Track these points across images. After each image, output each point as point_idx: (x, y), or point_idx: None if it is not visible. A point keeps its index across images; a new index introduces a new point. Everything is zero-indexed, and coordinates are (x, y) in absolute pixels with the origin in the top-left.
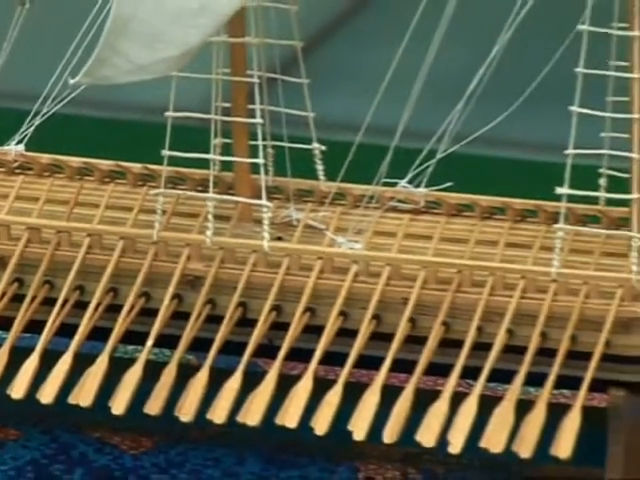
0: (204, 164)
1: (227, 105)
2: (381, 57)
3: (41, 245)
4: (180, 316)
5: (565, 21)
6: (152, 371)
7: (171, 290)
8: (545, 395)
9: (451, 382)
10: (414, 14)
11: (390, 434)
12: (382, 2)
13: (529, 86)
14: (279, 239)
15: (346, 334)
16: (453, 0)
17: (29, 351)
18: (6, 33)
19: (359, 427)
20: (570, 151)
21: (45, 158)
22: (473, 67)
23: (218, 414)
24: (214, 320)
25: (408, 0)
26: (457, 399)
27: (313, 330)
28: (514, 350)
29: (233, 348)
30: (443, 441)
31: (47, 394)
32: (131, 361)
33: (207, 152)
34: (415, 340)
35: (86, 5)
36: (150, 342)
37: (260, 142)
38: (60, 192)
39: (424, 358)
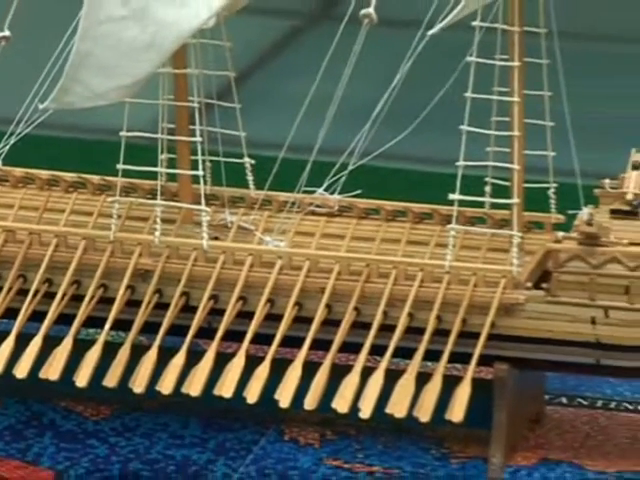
0: (153, 176)
1: (172, 126)
2: (302, 86)
3: (16, 244)
4: (133, 304)
5: (455, 54)
6: (110, 350)
7: (125, 282)
8: (440, 368)
9: (361, 358)
10: (328, 51)
11: (310, 402)
12: (303, 41)
13: (438, 101)
14: (216, 238)
15: (273, 318)
16: (361, 38)
17: (6, 334)
18: None
19: (284, 396)
20: (460, 163)
21: (18, 172)
22: (378, 94)
23: (165, 386)
24: (161, 307)
25: (324, 40)
26: (367, 372)
27: (245, 315)
28: (414, 331)
29: (178, 330)
30: (355, 408)
31: (21, 370)
32: (92, 342)
33: (155, 166)
34: (331, 323)
35: (52, 41)
36: (108, 326)
37: (200, 157)
38: (31, 200)
39: (338, 338)
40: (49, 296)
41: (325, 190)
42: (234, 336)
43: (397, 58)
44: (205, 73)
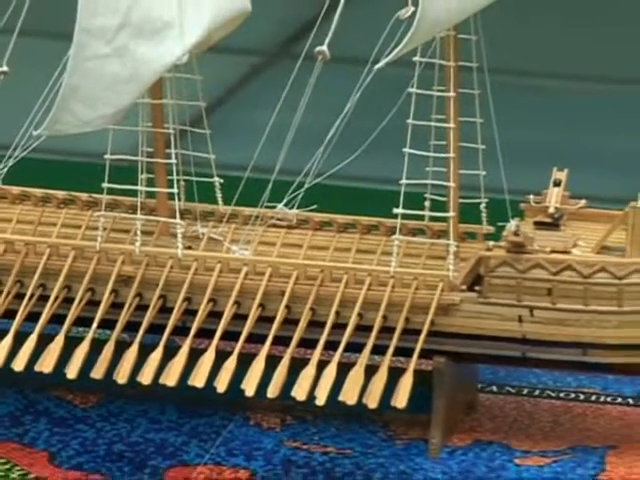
0: (133, 194)
1: (150, 150)
2: (264, 116)
3: (14, 254)
4: (117, 306)
5: (398, 86)
6: (96, 346)
7: (110, 286)
8: (386, 361)
9: (317, 352)
10: (287, 85)
11: (272, 391)
12: (265, 76)
13: (384, 128)
14: (189, 248)
15: (239, 318)
16: (316, 73)
17: (5, 333)
18: None
19: (249, 386)
20: (403, 181)
21: (16, 190)
22: (331, 122)
23: (145, 377)
24: (142, 308)
25: (283, 75)
26: (322, 365)
27: (215, 315)
28: (363, 328)
29: (156, 329)
30: (312, 396)
31: (19, 363)
32: (81, 339)
33: (136, 185)
34: (290, 322)
35: (45, 75)
36: (95, 325)
37: (175, 177)
38: (27, 215)
39: (297, 335)
40: (43, 299)
41: (285, 205)
42: (205, 333)
43: (347, 90)
44: (179, 103)
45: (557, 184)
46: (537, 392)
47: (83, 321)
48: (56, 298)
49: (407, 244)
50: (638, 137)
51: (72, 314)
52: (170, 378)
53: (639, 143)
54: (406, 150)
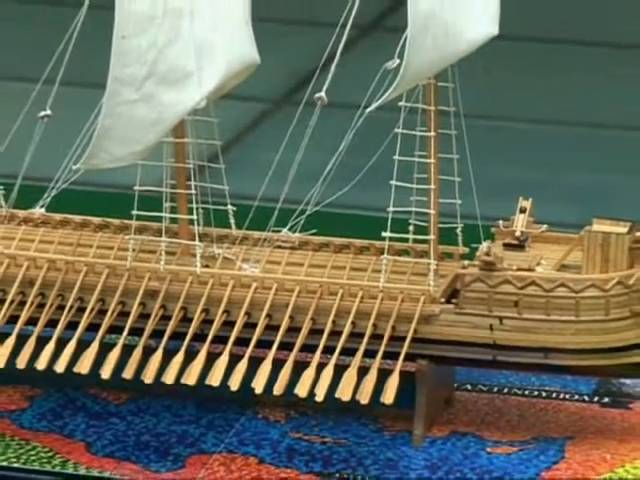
0: (159, 219)
1: (173, 182)
2: (271, 153)
3: (56, 271)
4: (144, 316)
5: (387, 127)
6: (127, 351)
7: (138, 299)
8: (376, 363)
9: (316, 356)
10: (290, 127)
11: (278, 389)
12: (272, 119)
13: (374, 163)
14: (207, 266)
15: (250, 326)
16: (315, 115)
17: (48, 339)
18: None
19: (259, 385)
20: (391, 209)
21: (57, 216)
22: (328, 158)
23: (169, 377)
24: (166, 318)
25: (288, 118)
26: (320, 367)
27: (229, 324)
28: (356, 335)
29: (178, 336)
30: (312, 393)
31: (60, 365)
32: (113, 345)
33: (161, 212)
34: (293, 329)
35: (82, 117)
36: (125, 332)
37: (194, 205)
38: (67, 238)
39: (299, 341)
40: (81, 310)
41: (289, 230)
42: (220, 340)
43: (342, 131)
44: (198, 142)
45: (523, 211)
46: (505, 390)
47: (115, 329)
48: (92, 309)
49: (394, 263)
50: (591, 173)
51: (106, 323)
52: (190, 378)
53: (591, 178)
54: (393, 182)
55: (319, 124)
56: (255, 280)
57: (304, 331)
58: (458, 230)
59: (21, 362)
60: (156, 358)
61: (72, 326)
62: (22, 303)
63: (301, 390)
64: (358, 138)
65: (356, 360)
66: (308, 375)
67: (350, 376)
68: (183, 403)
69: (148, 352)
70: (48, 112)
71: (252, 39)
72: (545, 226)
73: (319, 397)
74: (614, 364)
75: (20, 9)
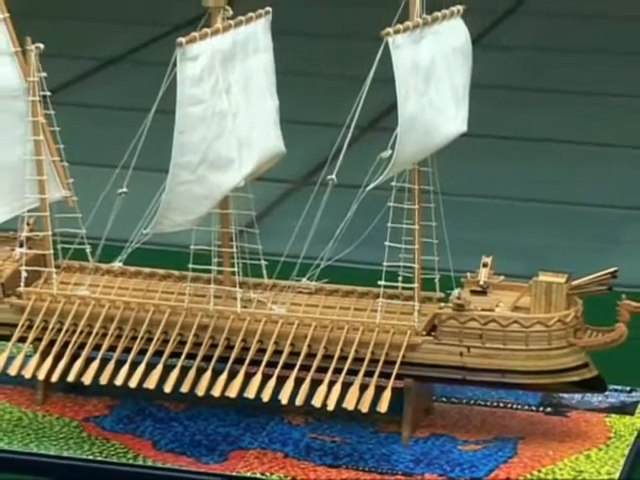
0: (208, 271)
1: (219, 243)
2: (294, 221)
3: (129, 310)
4: (197, 344)
5: (382, 202)
6: (184, 371)
7: (193, 331)
8: (374, 381)
9: (328, 376)
10: (308, 202)
11: (299, 400)
12: (293, 196)
13: (372, 229)
14: (245, 307)
15: (277, 353)
16: (327, 193)
17: (124, 362)
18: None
19: (284, 397)
20: (385, 264)
21: (132, 269)
22: (337, 225)
23: (216, 391)
24: (214, 346)
25: (306, 195)
26: (331, 384)
27: (261, 351)
28: (358, 360)
29: (223, 360)
30: (325, 404)
31: (133, 382)
32: (173, 366)
33: (210, 265)
34: (311, 355)
35: (151, 193)
36: (183, 357)
37: (235, 260)
38: (139, 285)
39: (315, 364)
40: (149, 340)
41: (307, 279)
42: (255, 363)
43: (348, 204)
44: (238, 212)
45: (485, 265)
46: (472, 402)
47: (175, 354)
48: (157, 340)
49: (387, 305)
50: (537, 237)
51: (168, 350)
52: (232, 391)
53: (537, 240)
54: (387, 243)
55: (330, 199)
56: (281, 317)
57: (318, 356)
58: (436, 280)
59: (103, 379)
60: (206, 376)
61: (142, 352)
62: (104, 335)
63: (316, 401)
64: (360, 210)
65: (358, 379)
66: (322, 390)
67: (354, 391)
68: (226, 411)
69: (200, 372)
70: (124, 190)
71: (279, 135)
72: (502, 277)
73: (330, 407)
74: (555, 382)
75: (103, 114)
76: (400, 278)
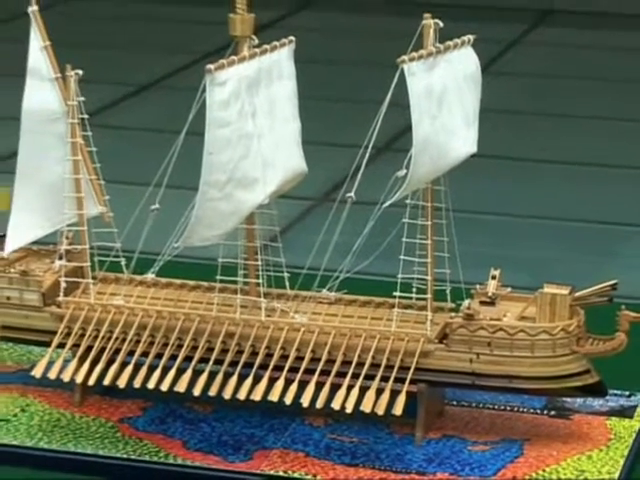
0: (235, 282)
1: (245, 256)
2: (316, 236)
3: (161, 319)
4: (224, 351)
5: (397, 218)
6: (212, 376)
7: (220, 339)
8: (389, 385)
9: (346, 380)
10: (328, 219)
11: (319, 403)
12: (314, 212)
13: (388, 243)
14: (269, 316)
15: (299, 359)
16: (346, 211)
17: (156, 367)
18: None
19: (305, 400)
20: (400, 276)
21: (163, 280)
22: (355, 240)
23: (242, 394)
24: (240, 353)
25: (327, 211)
26: (349, 388)
27: (284, 357)
28: (375, 366)
29: (248, 365)
30: (343, 406)
31: (165, 385)
32: (202, 371)
33: (236, 277)
34: (330, 361)
35: (181, 208)
36: (211, 362)
37: (260, 272)
38: (170, 295)
39: (334, 369)
40: (179, 347)
41: (327, 290)
42: (278, 369)
43: (366, 220)
44: (263, 228)
45: (494, 278)
46: (481, 405)
47: (203, 360)
48: (187, 346)
49: (402, 314)
50: (543, 251)
51: (197, 356)
52: (257, 395)
53: (543, 255)
54: (401, 257)
55: (349, 215)
56: (303, 326)
57: (338, 362)
58: (447, 291)
59: (137, 383)
60: (232, 381)
61: (173, 358)
62: (137, 342)
63: (335, 404)
64: (377, 225)
65: (375, 383)
66: (340, 393)
67: (370, 394)
68: (251, 413)
69: (227, 376)
70: (157, 206)
71: (302, 155)
72: (509, 289)
73: (348, 409)
74: (559, 387)
75: (137, 135)
76: (414, 289)
